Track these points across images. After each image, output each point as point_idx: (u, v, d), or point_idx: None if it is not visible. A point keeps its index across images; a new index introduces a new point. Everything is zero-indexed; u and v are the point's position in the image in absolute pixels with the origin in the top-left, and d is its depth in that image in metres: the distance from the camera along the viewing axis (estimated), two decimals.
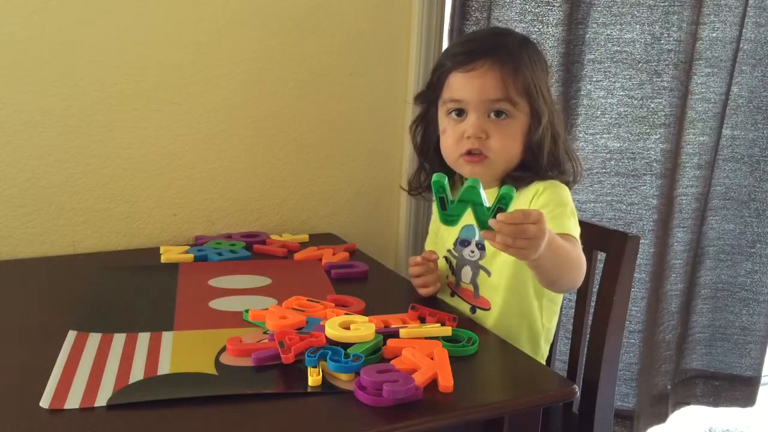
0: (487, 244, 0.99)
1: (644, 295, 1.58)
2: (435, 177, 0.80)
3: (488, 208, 0.78)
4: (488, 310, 1.04)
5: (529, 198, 0.99)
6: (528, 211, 0.77)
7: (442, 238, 1.11)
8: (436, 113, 1.05)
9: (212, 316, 0.95)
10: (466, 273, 1.05)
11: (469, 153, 0.99)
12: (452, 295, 1.09)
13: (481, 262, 1.04)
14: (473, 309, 1.06)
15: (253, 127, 1.37)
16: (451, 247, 1.08)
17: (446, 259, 1.09)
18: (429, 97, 1.06)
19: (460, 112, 1.00)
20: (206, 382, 0.74)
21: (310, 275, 1.15)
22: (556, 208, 0.96)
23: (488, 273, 1.03)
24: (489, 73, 0.96)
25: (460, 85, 0.99)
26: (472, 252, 1.04)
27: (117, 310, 0.96)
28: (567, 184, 1.02)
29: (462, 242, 1.06)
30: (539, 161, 1.00)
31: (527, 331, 1.04)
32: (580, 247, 0.95)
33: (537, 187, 0.99)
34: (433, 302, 1.02)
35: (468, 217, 0.84)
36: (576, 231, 0.96)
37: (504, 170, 1.01)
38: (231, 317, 0.94)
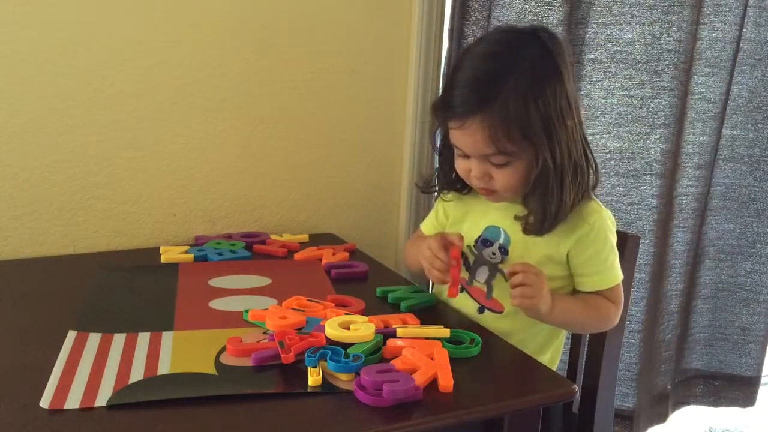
0: (511, 250, 1.02)
1: (644, 295, 1.57)
2: None
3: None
4: (500, 312, 1.02)
5: (576, 230, 0.97)
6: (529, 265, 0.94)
7: (462, 233, 1.09)
8: None
9: (212, 316, 0.95)
10: (482, 272, 1.04)
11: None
12: (461, 290, 1.06)
13: (501, 265, 1.02)
14: (481, 309, 1.04)
15: (253, 127, 1.37)
16: (471, 243, 1.05)
17: (463, 254, 1.06)
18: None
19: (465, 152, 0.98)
20: (206, 382, 0.74)
21: (310, 275, 1.15)
22: (606, 260, 0.99)
23: (506, 277, 1.01)
24: (479, 131, 0.91)
25: (456, 137, 0.96)
26: (494, 254, 1.03)
27: (117, 310, 0.96)
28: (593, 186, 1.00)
29: (484, 241, 1.04)
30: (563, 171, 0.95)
31: (538, 338, 1.03)
32: (615, 293, 1.00)
33: (589, 217, 0.97)
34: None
35: (493, 218, 1.03)
36: (619, 275, 1.00)
37: (521, 191, 0.98)
38: (231, 317, 0.94)
